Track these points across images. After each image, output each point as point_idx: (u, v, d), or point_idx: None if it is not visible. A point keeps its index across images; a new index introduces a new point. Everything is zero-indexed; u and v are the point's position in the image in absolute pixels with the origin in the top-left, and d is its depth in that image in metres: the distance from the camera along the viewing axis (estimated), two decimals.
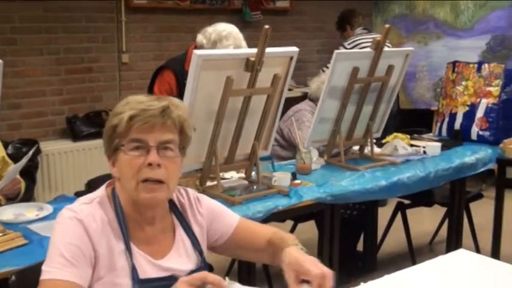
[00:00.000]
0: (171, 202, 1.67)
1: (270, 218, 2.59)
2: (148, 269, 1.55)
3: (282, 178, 2.77)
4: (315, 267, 1.47)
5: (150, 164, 1.50)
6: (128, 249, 1.53)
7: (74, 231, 1.49)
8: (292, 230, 3.99)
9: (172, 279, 1.51)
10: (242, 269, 2.74)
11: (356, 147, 3.44)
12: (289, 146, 3.64)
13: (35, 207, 2.43)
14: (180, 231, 1.66)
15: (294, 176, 2.87)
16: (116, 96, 4.90)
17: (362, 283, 1.64)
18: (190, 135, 1.63)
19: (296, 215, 3.38)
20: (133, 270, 1.52)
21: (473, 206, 4.03)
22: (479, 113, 3.67)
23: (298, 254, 1.54)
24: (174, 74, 3.17)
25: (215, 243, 1.73)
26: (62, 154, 4.57)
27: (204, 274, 1.41)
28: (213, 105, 2.52)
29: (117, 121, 1.52)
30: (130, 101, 1.55)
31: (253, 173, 2.81)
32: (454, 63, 3.87)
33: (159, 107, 1.52)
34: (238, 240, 1.71)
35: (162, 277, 1.55)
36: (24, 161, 2.36)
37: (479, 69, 3.73)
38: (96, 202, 1.57)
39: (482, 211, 4.06)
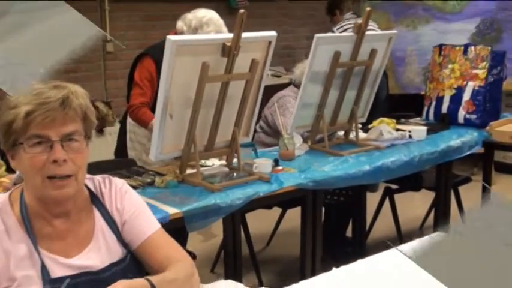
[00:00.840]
0: (91, 192, 1.59)
1: (252, 205, 2.57)
2: (57, 271, 1.46)
3: (263, 164, 2.75)
4: None
5: (55, 161, 1.41)
6: (36, 250, 1.45)
7: None
8: (280, 217, 3.97)
9: (87, 275, 1.47)
10: (228, 260, 2.72)
11: (341, 133, 3.40)
12: (274, 133, 3.60)
13: None
14: (100, 223, 1.56)
15: (276, 163, 2.83)
16: (101, 86, 4.85)
17: (334, 268, 1.61)
18: (95, 120, 1.53)
19: (279, 201, 3.36)
20: (43, 271, 1.44)
21: (463, 190, 4.01)
22: (466, 96, 3.64)
23: (128, 280, 1.42)
24: (154, 61, 3.12)
25: (131, 247, 1.58)
26: None
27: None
28: (190, 91, 2.48)
29: (13, 117, 1.41)
30: (26, 91, 1.44)
31: (234, 160, 2.78)
32: (441, 46, 3.83)
33: (58, 99, 1.41)
34: (146, 253, 1.56)
35: (75, 274, 1.47)
36: None
37: (465, 52, 3.69)
38: None
39: (472, 195, 4.04)
